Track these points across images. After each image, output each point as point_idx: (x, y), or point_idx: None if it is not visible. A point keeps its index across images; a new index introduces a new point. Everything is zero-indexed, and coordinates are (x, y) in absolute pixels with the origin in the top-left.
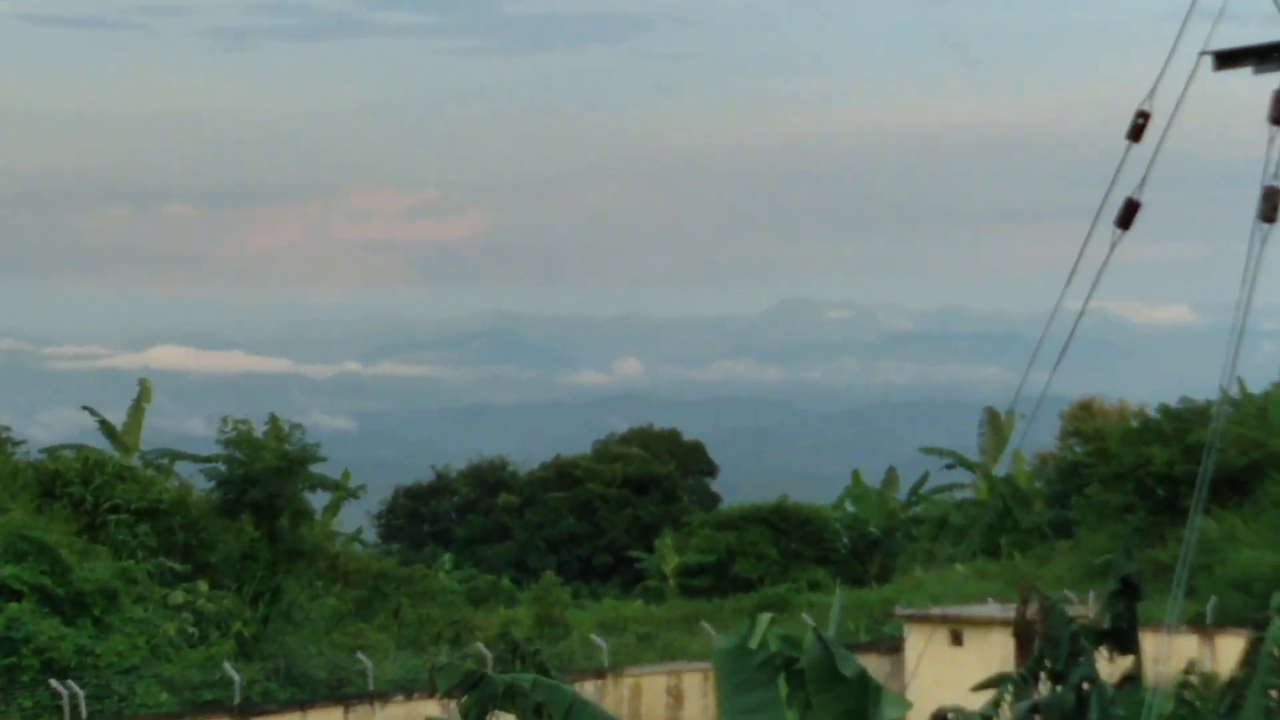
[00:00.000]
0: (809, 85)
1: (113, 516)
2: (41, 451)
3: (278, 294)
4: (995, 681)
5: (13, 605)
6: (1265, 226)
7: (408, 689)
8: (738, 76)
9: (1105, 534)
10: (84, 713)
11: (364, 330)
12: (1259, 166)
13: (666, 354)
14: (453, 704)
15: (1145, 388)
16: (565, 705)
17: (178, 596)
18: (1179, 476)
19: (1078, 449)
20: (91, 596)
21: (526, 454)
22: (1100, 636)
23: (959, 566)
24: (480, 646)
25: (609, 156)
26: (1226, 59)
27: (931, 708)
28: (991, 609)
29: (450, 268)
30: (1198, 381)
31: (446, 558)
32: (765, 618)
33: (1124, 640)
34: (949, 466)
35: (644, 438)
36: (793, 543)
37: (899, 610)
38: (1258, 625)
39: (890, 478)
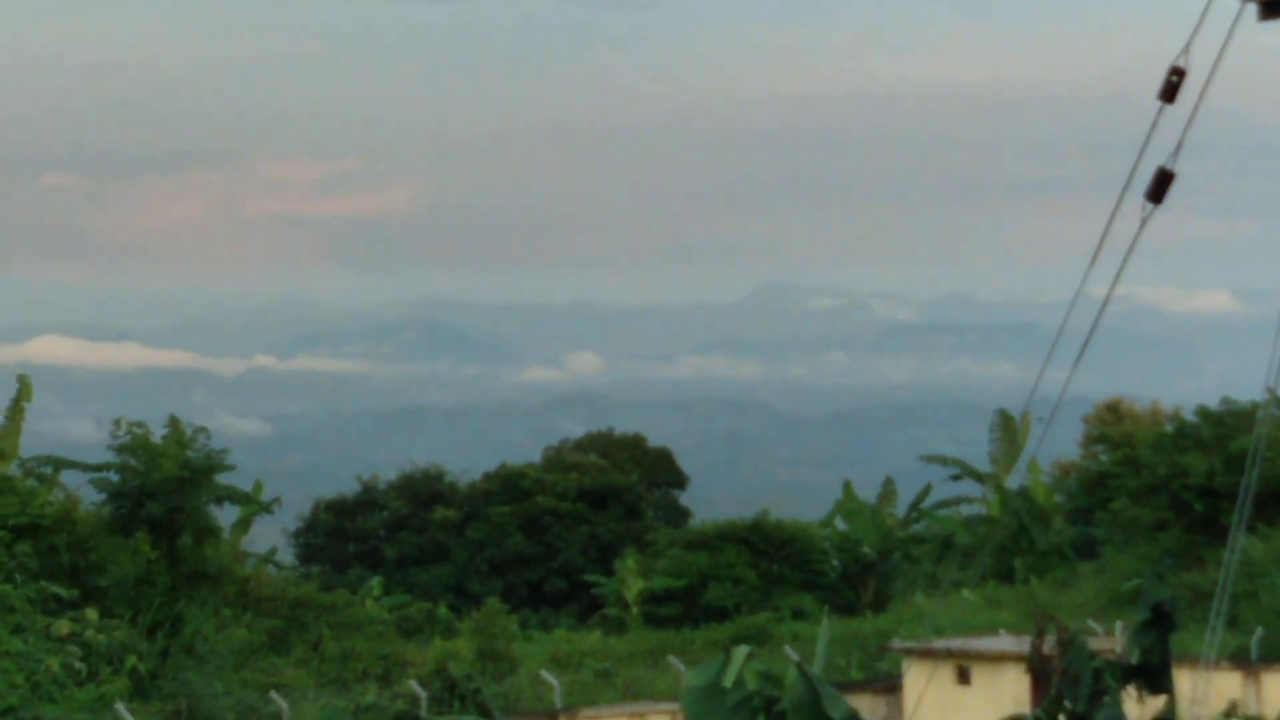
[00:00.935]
0: (794, 37)
1: None
2: None
3: (177, 277)
4: None
5: None
6: None
7: None
8: (712, 27)
9: (1134, 555)
10: None
11: (277, 320)
12: None
13: (627, 348)
14: None
15: (1181, 387)
16: None
17: (63, 627)
18: (1219, 489)
19: (1103, 458)
20: None
21: (466, 463)
22: (1128, 673)
23: (966, 593)
24: (413, 685)
25: (560, 119)
26: (1274, 7)
27: None
28: (1003, 642)
29: (376, 248)
30: (1241, 379)
31: (374, 582)
32: (741, 651)
33: (1155, 678)
34: (955, 478)
35: (602, 444)
36: (774, 565)
37: (897, 643)
38: None
39: (887, 491)
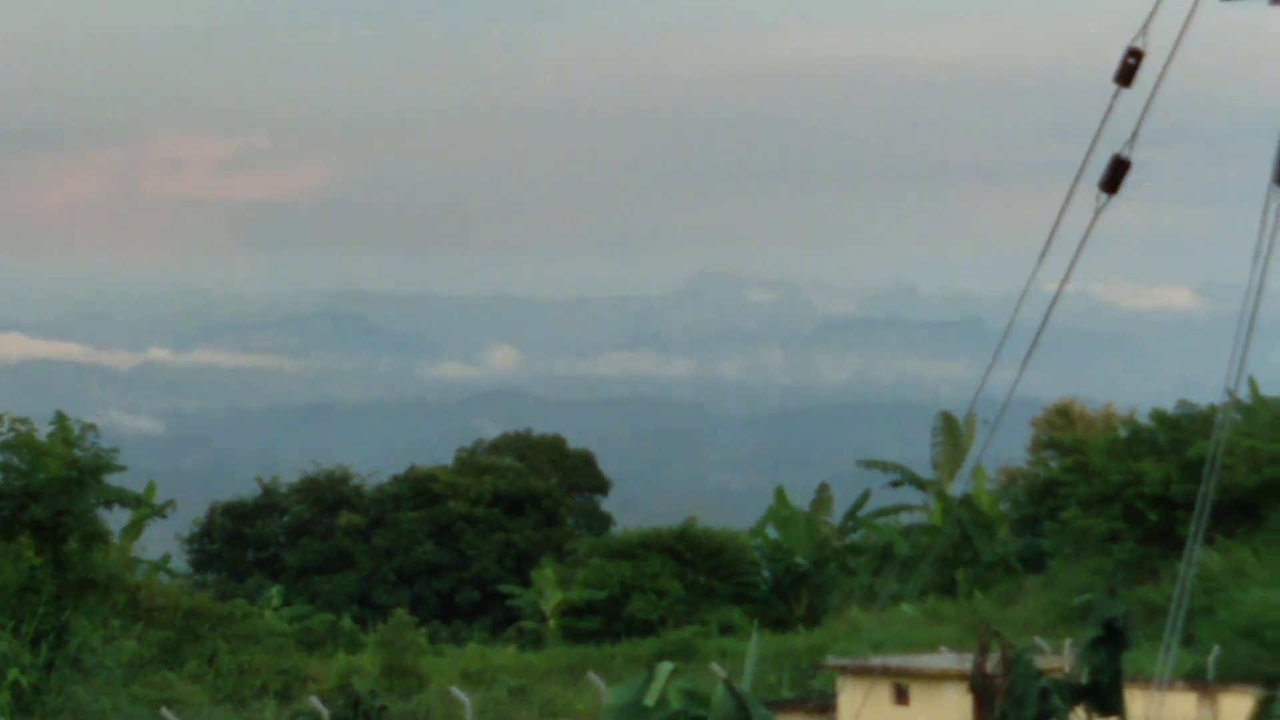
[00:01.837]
0: (729, 10)
1: None
2: None
3: (68, 263)
4: None
5: None
6: None
7: None
8: None
9: (1085, 568)
10: None
11: (176, 310)
12: (1277, 117)
13: (548, 342)
14: None
15: (1136, 389)
16: None
17: None
18: (1175, 499)
19: (1052, 464)
20: None
21: (374, 464)
22: (1077, 694)
23: (905, 607)
24: (315, 701)
25: (480, 97)
26: None
27: None
28: (944, 659)
29: (282, 232)
30: (1200, 381)
31: (274, 591)
32: (665, 668)
33: (1106, 699)
34: (895, 484)
35: (519, 445)
36: (701, 576)
37: (831, 660)
38: (1269, 681)
39: (822, 497)
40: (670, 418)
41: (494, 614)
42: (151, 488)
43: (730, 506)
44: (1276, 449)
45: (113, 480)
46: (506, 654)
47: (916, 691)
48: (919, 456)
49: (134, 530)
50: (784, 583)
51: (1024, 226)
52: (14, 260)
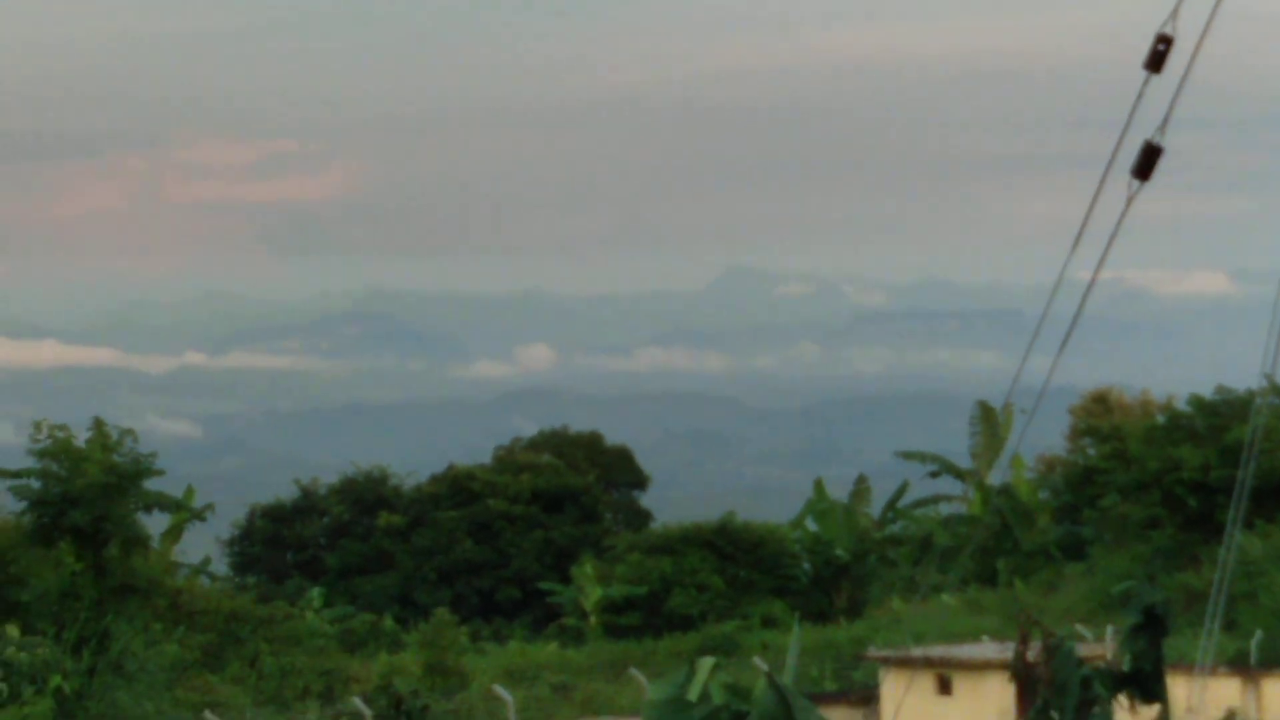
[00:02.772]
0: (756, 6)
1: None
2: None
3: (99, 270)
4: None
5: None
6: None
7: None
8: None
9: (1125, 555)
10: None
11: (208, 314)
12: None
13: (582, 340)
14: None
15: (1172, 375)
16: None
17: None
18: (1214, 484)
19: (1091, 451)
20: None
21: (412, 464)
22: (1119, 681)
23: (946, 597)
24: (357, 702)
25: (508, 96)
26: None
27: None
28: (986, 649)
29: (311, 235)
30: (1237, 366)
31: (315, 593)
32: (707, 662)
33: (1148, 686)
34: (933, 475)
35: (556, 443)
36: (741, 570)
37: (873, 652)
38: None
39: (860, 489)
40: (706, 413)
41: (535, 611)
42: (190, 491)
43: (768, 500)
44: None
45: (151, 485)
46: (548, 651)
47: (959, 682)
48: (956, 447)
49: (173, 534)
50: (824, 575)
51: (1056, 216)
52: (46, 268)
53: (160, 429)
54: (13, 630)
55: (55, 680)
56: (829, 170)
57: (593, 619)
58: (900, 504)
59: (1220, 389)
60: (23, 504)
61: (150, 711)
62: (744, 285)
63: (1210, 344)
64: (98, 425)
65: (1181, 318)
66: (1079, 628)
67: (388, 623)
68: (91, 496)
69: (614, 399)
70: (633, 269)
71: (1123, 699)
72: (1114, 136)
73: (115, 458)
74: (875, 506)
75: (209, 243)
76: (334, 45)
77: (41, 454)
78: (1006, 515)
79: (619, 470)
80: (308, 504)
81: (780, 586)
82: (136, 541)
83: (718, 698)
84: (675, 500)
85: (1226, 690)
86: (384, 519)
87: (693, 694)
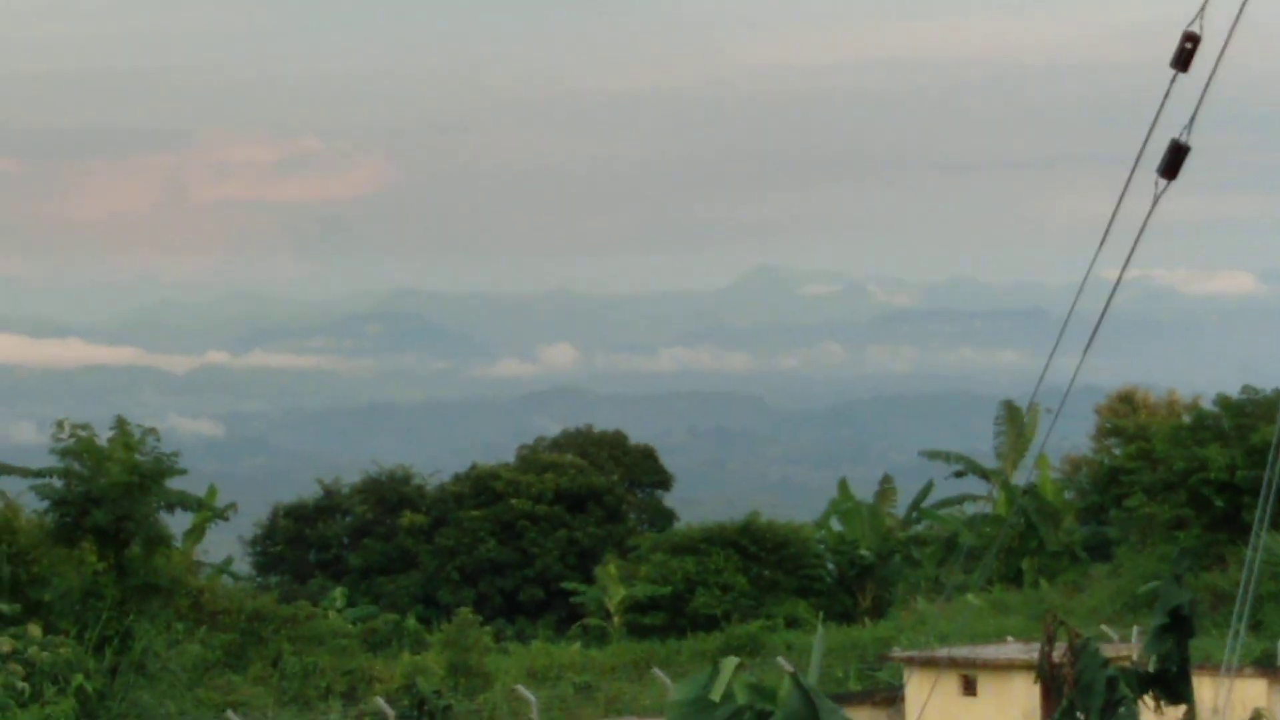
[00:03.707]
0: (784, 6)
1: None
2: None
3: (123, 268)
4: None
5: None
6: None
7: None
8: None
9: (1151, 556)
10: None
11: (231, 313)
12: None
13: (607, 339)
14: None
15: (1199, 375)
16: None
17: (3, 644)
18: (1241, 484)
19: (1116, 451)
20: None
21: (435, 463)
22: (1145, 682)
23: (971, 597)
24: (380, 702)
25: (532, 96)
26: None
27: None
28: (1011, 649)
29: (334, 234)
30: (1264, 366)
31: (337, 592)
32: (731, 662)
33: (1174, 686)
34: (958, 474)
35: (580, 442)
36: (765, 570)
37: (897, 652)
38: None
39: (885, 489)
40: (730, 412)
41: (558, 611)
42: (212, 490)
43: (793, 500)
44: None
45: (174, 484)
46: (571, 651)
47: (984, 682)
48: (982, 446)
49: (196, 534)
50: (849, 575)
51: (1082, 215)
52: (71, 267)
53: (183, 428)
54: (35, 630)
55: (77, 680)
56: (855, 169)
57: (616, 619)
58: (925, 504)
59: (1246, 389)
60: (45, 503)
61: (172, 711)
62: (769, 284)
63: (1237, 344)
64: (120, 424)
65: (1208, 317)
66: (1105, 628)
67: (410, 622)
68: (114, 496)
69: (638, 398)
70: (657, 268)
71: (1148, 700)
72: (1141, 135)
73: (138, 457)
74: (900, 506)
75: (233, 242)
76: (359, 44)
77: (64, 453)
78: (1032, 515)
79: (643, 470)
80: (330, 503)
81: (804, 586)
82: (159, 541)
83: (741, 698)
84: (699, 500)
85: (1253, 691)
86: (407, 518)
87: (716, 694)
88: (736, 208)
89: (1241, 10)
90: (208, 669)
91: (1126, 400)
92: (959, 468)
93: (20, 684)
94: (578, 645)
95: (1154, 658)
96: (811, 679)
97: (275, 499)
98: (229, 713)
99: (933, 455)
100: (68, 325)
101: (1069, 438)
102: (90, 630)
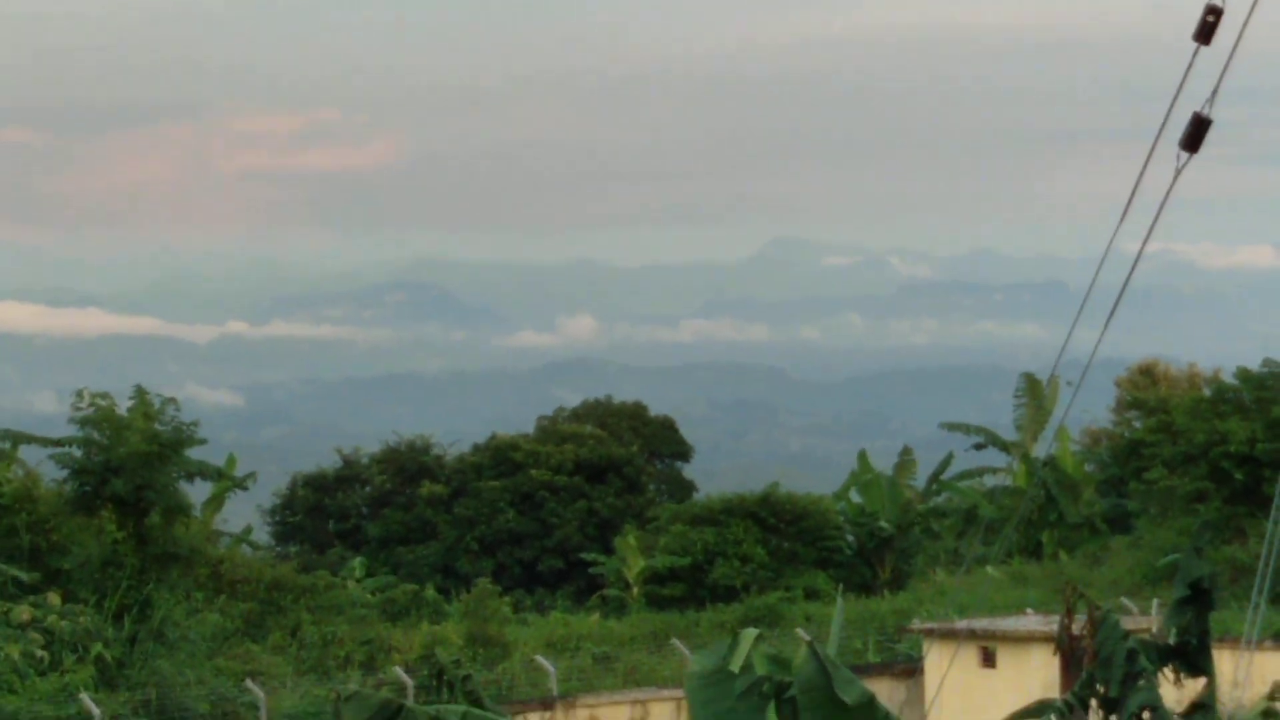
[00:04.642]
0: None
1: None
2: None
3: (144, 239)
4: (1035, 710)
5: None
6: None
7: None
8: None
9: (1170, 528)
10: None
11: (250, 283)
12: None
13: (626, 310)
14: None
15: (1219, 348)
16: None
17: (23, 612)
18: (1261, 457)
19: (1137, 424)
20: None
21: (454, 434)
22: (1164, 655)
23: (990, 569)
24: (399, 671)
25: (555, 66)
26: None
27: None
28: (1031, 621)
29: (354, 204)
30: None
31: (357, 562)
32: (750, 634)
33: (1194, 659)
34: (978, 447)
35: (600, 413)
36: (784, 541)
37: (916, 624)
38: None
39: (905, 461)
40: (750, 384)
41: (577, 582)
42: (231, 460)
43: (812, 471)
44: None
45: (193, 453)
46: (590, 622)
47: (1003, 654)
48: (1002, 419)
49: (215, 503)
50: (868, 547)
51: (1103, 189)
52: (92, 237)
53: (202, 398)
54: (55, 598)
55: (97, 648)
56: (876, 142)
57: (635, 590)
58: (945, 476)
59: (1267, 361)
60: (65, 472)
61: (191, 680)
62: (789, 256)
63: (1258, 317)
64: (140, 394)
65: (1229, 290)
66: (1124, 601)
67: (429, 592)
68: (133, 465)
69: (658, 369)
70: (677, 239)
71: (1168, 672)
72: (1163, 109)
73: (157, 426)
74: (920, 478)
75: (253, 212)
76: (380, 15)
77: (84, 422)
78: (1051, 488)
79: (662, 441)
80: (350, 473)
81: (824, 558)
82: (178, 510)
83: (760, 669)
84: (719, 471)
85: (1273, 664)
86: (426, 489)
87: (735, 665)
88: (758, 181)
89: None
90: (226, 638)
91: (1147, 373)
92: (979, 440)
93: (40, 652)
94: (596, 616)
95: (1174, 630)
96: (830, 650)
97: (294, 469)
98: (248, 681)
99: (952, 427)
100: (88, 295)
101: (1089, 410)
102: (109, 599)
